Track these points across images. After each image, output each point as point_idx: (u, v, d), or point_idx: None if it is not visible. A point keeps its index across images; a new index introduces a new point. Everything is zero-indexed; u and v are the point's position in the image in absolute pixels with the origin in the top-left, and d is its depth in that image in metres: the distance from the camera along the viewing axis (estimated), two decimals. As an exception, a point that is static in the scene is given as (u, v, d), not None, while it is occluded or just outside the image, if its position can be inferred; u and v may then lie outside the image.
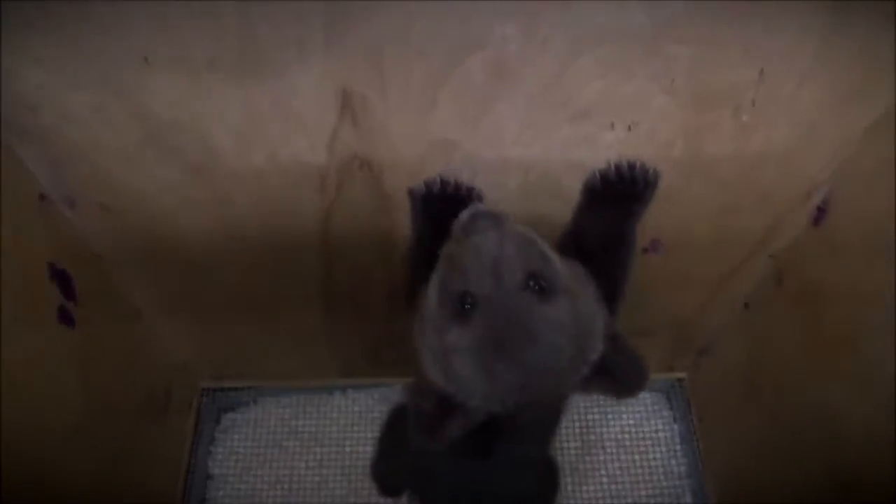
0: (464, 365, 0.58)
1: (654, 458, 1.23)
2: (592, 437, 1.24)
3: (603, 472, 1.21)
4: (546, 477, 0.95)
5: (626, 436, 1.25)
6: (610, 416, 1.27)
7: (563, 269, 0.62)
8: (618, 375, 0.62)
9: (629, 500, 1.18)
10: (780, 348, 0.90)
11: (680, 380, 1.23)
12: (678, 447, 1.23)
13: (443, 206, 0.69)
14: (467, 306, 0.57)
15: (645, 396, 1.28)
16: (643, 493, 1.19)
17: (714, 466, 1.13)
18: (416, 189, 0.70)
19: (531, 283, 0.58)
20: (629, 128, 0.67)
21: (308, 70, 0.59)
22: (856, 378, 0.75)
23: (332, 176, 0.71)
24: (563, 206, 0.73)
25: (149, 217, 0.76)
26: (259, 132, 0.65)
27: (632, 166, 0.68)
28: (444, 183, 0.69)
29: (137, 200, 0.74)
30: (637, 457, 1.23)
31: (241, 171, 0.70)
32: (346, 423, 1.26)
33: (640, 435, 1.25)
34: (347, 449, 1.24)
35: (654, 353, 1.16)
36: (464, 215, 0.60)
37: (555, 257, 0.62)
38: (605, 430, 1.25)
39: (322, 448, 1.24)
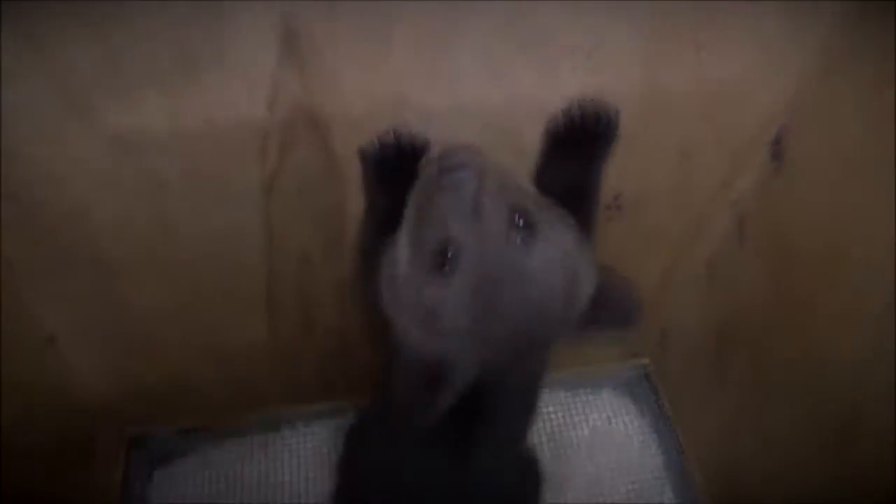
0: (454, 320, 0.52)
1: (630, 456, 1.17)
2: (563, 442, 1.18)
3: (580, 476, 1.14)
4: (529, 475, 0.88)
5: (597, 436, 1.19)
6: (577, 418, 1.21)
7: (544, 204, 0.58)
8: (613, 308, 0.58)
9: (611, 501, 1.12)
10: (750, 305, 0.88)
11: (644, 367, 1.19)
12: (651, 441, 1.19)
13: (398, 165, 0.63)
14: (449, 255, 0.52)
15: (609, 394, 1.24)
16: (622, 492, 1.13)
17: (696, 449, 1.08)
18: (367, 148, 0.65)
19: (516, 221, 0.53)
20: (588, 56, 0.64)
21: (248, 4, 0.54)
22: (839, 317, 0.73)
23: (275, 138, 0.65)
24: (525, 160, 0.70)
25: (64, 210, 0.67)
26: (192, 83, 0.58)
27: (594, 103, 0.66)
28: (398, 137, 0.64)
29: (51, 187, 0.64)
30: (612, 456, 1.17)
31: (172, 137, 0.62)
32: (298, 464, 1.14)
33: (611, 433, 1.20)
34: (302, 489, 1.11)
35: (616, 342, 1.13)
36: (434, 153, 0.55)
37: (534, 191, 0.58)
38: (574, 432, 1.19)
39: (274, 494, 1.11)
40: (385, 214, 0.66)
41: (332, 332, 0.91)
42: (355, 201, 0.71)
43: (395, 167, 0.64)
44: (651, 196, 0.82)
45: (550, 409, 1.20)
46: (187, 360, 0.92)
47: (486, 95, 0.66)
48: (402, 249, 0.56)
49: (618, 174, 0.72)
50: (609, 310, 0.57)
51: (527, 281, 0.52)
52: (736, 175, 0.80)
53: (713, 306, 0.95)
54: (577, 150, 0.68)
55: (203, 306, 0.82)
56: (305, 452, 1.14)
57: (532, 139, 0.69)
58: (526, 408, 0.73)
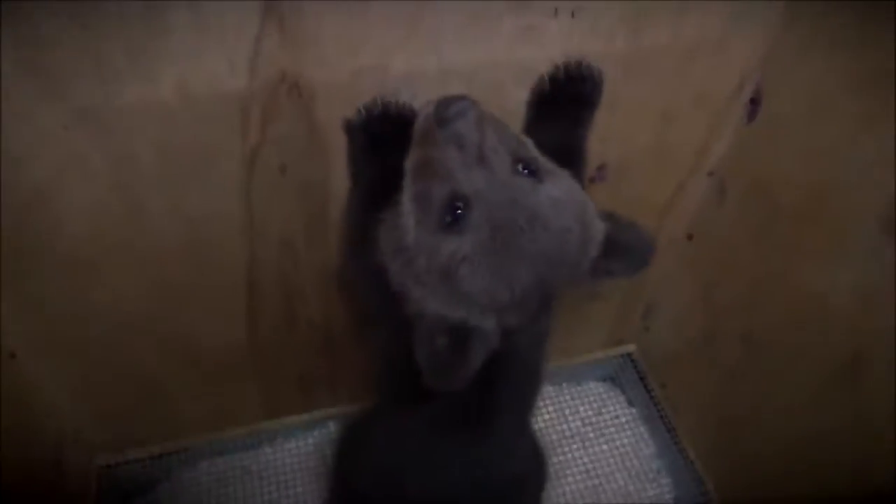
0: (474, 275, 0.51)
1: (623, 444, 1.16)
2: (555, 436, 1.15)
3: (576, 467, 1.11)
4: (537, 457, 0.85)
5: (589, 427, 1.17)
6: (567, 411, 1.19)
7: (540, 153, 0.57)
8: (626, 250, 0.57)
9: (609, 490, 1.09)
10: (735, 266, 0.88)
11: (629, 354, 1.18)
12: (642, 428, 1.17)
13: (385, 135, 0.62)
14: (459, 211, 0.50)
15: (595, 385, 1.23)
16: (620, 480, 1.11)
17: (689, 429, 1.06)
18: (353, 119, 0.63)
19: (520, 168, 0.52)
20: (572, 15, 0.64)
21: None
22: (828, 263, 0.73)
23: (257, 108, 0.62)
24: (511, 122, 0.68)
25: (24, 195, 0.61)
26: (165, 48, 0.55)
27: (579, 65, 0.66)
28: (384, 106, 0.62)
29: (9, 169, 0.59)
30: (605, 446, 1.15)
31: (143, 107, 0.58)
32: (285, 481, 1.08)
33: (602, 423, 1.18)
34: (289, 507, 1.05)
35: (600, 326, 1.11)
36: (428, 107, 0.53)
37: (530, 141, 0.57)
38: (565, 425, 1.17)
39: (257, 515, 1.05)
40: (373, 187, 0.64)
41: (316, 327, 0.87)
42: (340, 177, 0.68)
43: (383, 137, 0.62)
44: (633, 163, 0.81)
45: (539, 403, 1.18)
46: (160, 369, 0.86)
47: (470, 58, 0.64)
48: (407, 215, 0.54)
49: (601, 140, 0.73)
50: (622, 253, 0.56)
51: (540, 223, 0.51)
52: (714, 136, 0.81)
53: (697, 272, 0.95)
54: (563, 112, 0.68)
55: (177, 303, 0.77)
56: (291, 468, 1.08)
57: (517, 100, 0.68)
58: (535, 372, 0.71)
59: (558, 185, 0.53)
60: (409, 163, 0.54)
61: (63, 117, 0.57)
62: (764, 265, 0.82)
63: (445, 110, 0.50)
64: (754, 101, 0.77)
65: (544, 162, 0.55)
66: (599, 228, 0.55)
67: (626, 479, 1.11)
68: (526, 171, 0.52)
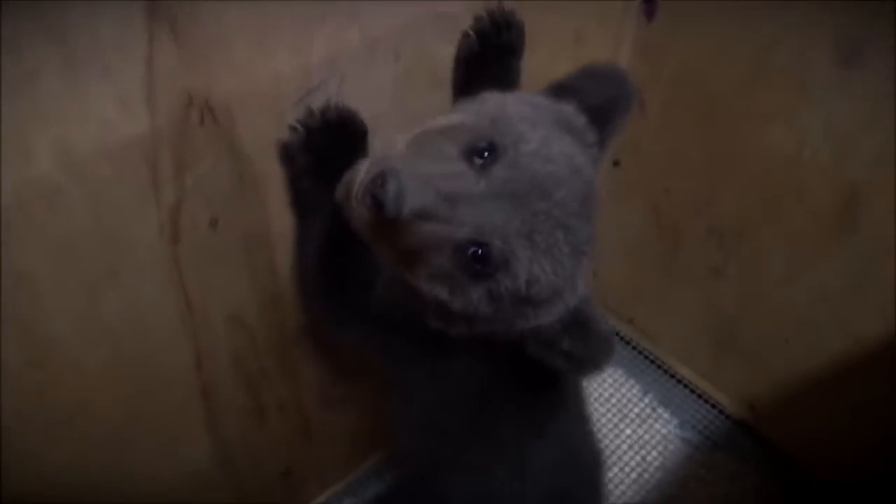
0: (548, 280, 0.45)
1: (610, 397, 1.11)
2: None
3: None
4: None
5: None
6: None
7: (473, 106, 0.49)
8: (606, 105, 0.53)
9: (624, 445, 1.05)
10: (680, 174, 0.85)
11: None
12: (619, 372, 1.14)
13: (332, 148, 0.52)
14: (479, 253, 0.44)
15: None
16: (629, 431, 1.07)
17: (685, 346, 1.03)
18: (289, 140, 0.51)
19: (485, 155, 0.45)
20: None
21: None
22: (795, 117, 0.71)
23: (166, 151, 0.47)
24: (444, 87, 0.61)
25: None
26: (32, 105, 0.39)
27: (500, 13, 0.60)
28: (323, 112, 0.51)
29: None
30: (597, 406, 1.10)
31: (19, 199, 0.41)
32: None
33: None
34: None
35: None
36: (360, 196, 0.42)
37: (458, 117, 0.49)
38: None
39: None
40: (331, 213, 0.53)
41: (289, 410, 0.72)
42: (282, 216, 0.55)
43: (329, 152, 0.52)
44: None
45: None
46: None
47: (392, 22, 0.55)
48: (433, 293, 0.46)
49: (527, 79, 0.67)
50: (606, 108, 0.52)
51: (550, 179, 0.45)
52: (619, 44, 0.79)
53: (637, 194, 0.92)
54: (494, 64, 0.62)
55: (120, 448, 0.58)
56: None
57: (445, 58, 0.61)
58: None
59: (516, 130, 0.46)
60: (388, 260, 0.48)
61: None
62: (716, 154, 0.80)
63: (385, 202, 0.40)
64: (648, 1, 0.76)
65: (486, 114, 0.47)
66: (570, 110, 0.49)
67: (633, 428, 1.07)
68: (487, 154, 0.45)
